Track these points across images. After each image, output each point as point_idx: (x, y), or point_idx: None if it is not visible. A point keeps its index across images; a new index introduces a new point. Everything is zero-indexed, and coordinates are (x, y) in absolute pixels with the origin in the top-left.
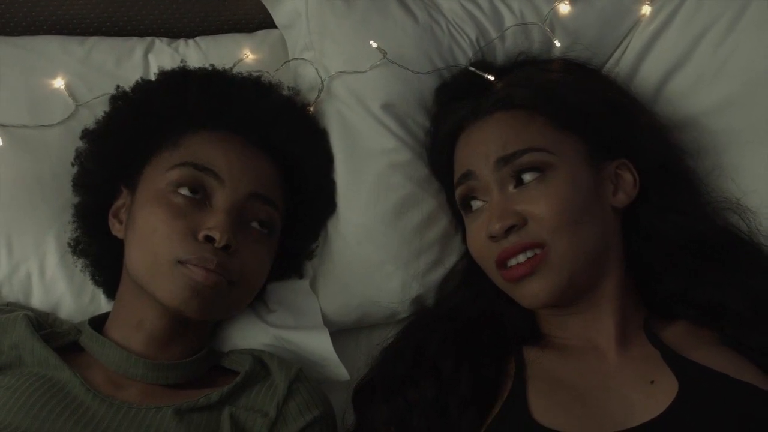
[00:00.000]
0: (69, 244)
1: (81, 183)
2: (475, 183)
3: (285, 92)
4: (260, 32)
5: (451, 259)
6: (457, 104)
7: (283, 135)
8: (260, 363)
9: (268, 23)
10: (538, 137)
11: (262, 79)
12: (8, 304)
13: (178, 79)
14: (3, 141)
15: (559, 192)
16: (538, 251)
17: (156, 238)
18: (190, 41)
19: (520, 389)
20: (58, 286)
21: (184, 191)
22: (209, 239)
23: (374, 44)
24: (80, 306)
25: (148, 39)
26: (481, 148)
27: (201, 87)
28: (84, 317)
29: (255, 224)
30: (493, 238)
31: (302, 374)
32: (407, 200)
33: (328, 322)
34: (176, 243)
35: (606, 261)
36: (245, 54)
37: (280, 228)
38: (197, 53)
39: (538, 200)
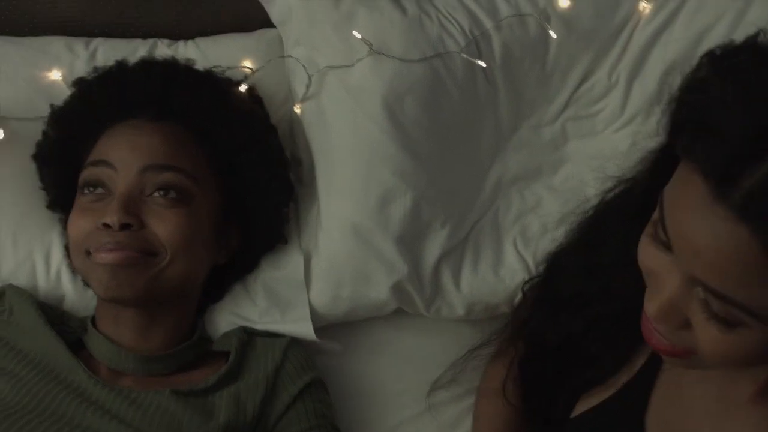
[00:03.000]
0: (66, 248)
1: (50, 204)
2: None
3: (181, 63)
4: (258, 32)
5: (435, 253)
6: None
7: (181, 101)
8: (248, 335)
9: (268, 24)
10: None
11: (154, 58)
12: (9, 285)
13: (84, 87)
14: (5, 136)
15: None
16: None
17: (72, 240)
18: (190, 42)
19: (646, 381)
20: (63, 280)
21: (87, 190)
22: (107, 226)
23: (358, 35)
24: (84, 300)
25: (151, 41)
26: None
27: (99, 88)
28: (88, 312)
29: (158, 193)
30: None
31: (294, 341)
32: (390, 194)
33: (318, 316)
34: (83, 238)
35: None
36: (243, 65)
37: (199, 190)
38: (196, 54)
39: None
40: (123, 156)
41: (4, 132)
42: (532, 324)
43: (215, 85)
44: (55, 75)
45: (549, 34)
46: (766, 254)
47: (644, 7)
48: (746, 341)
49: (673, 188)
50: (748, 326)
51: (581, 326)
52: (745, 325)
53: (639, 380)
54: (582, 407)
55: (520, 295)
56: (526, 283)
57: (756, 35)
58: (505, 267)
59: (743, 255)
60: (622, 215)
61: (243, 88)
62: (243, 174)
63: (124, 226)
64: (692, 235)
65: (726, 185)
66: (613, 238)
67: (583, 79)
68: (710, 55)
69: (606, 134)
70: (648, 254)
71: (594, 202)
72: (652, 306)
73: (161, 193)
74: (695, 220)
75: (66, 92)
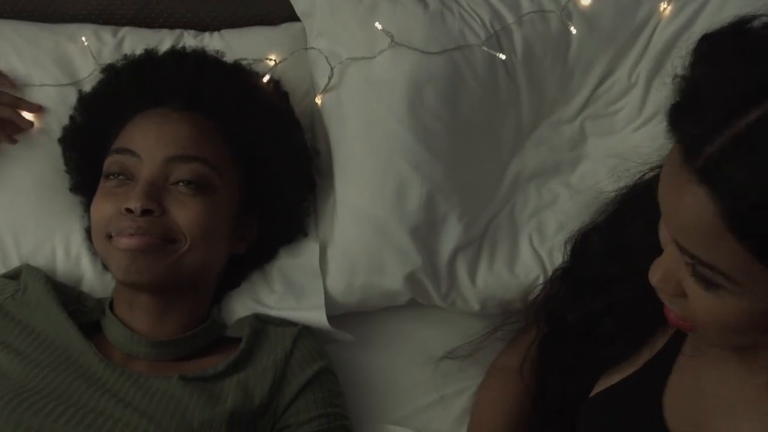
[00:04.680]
0: (86, 230)
1: (73, 187)
2: None
3: (210, 54)
4: (283, 25)
5: (449, 246)
6: None
7: (210, 93)
8: (261, 322)
9: (294, 18)
10: None
11: (184, 48)
12: (26, 265)
13: (113, 73)
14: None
15: None
16: None
17: (95, 224)
18: (215, 34)
19: (665, 363)
20: (82, 262)
21: (112, 176)
22: (129, 210)
23: (379, 26)
24: (103, 282)
25: (177, 31)
26: None
27: (129, 75)
28: (106, 294)
29: (181, 182)
30: None
31: (305, 330)
32: (405, 185)
33: (333, 304)
34: (105, 222)
35: None
36: (269, 58)
37: (221, 181)
38: (221, 45)
39: None
40: (149, 145)
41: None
42: (554, 303)
43: (243, 77)
44: (84, 43)
45: (570, 32)
46: (720, 217)
47: (665, 7)
48: (731, 305)
49: (665, 161)
50: (728, 289)
51: (602, 306)
52: (724, 287)
53: (658, 362)
54: (600, 387)
55: (538, 286)
56: (557, 269)
57: (746, 18)
58: (521, 263)
59: (702, 216)
60: (650, 197)
61: (266, 78)
62: (266, 168)
63: (145, 212)
64: (666, 198)
65: (692, 150)
66: (641, 218)
67: (603, 78)
68: (701, 38)
69: (624, 133)
70: (660, 231)
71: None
72: (652, 274)
73: (185, 182)
74: (668, 184)
75: (93, 64)
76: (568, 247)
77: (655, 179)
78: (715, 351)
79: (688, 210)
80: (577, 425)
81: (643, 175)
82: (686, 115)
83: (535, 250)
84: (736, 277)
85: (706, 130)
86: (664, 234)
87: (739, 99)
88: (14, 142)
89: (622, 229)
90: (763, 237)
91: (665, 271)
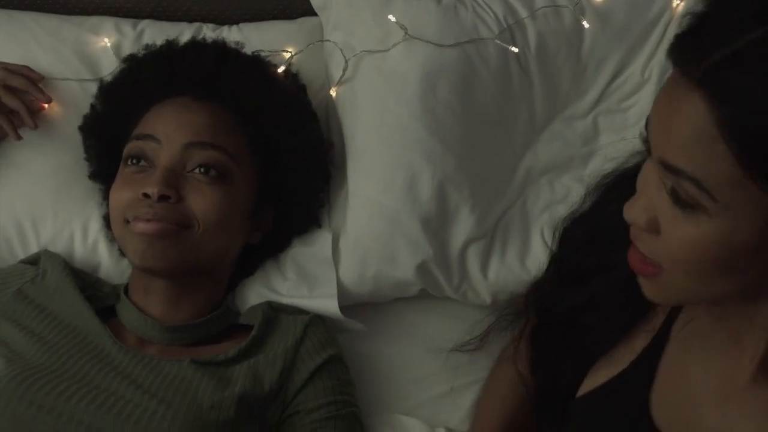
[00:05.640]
0: (104, 218)
1: (92, 175)
2: None
3: (230, 46)
4: (300, 19)
5: (461, 237)
6: None
7: (229, 83)
8: (274, 310)
9: (311, 12)
10: None
11: (204, 40)
12: (45, 251)
13: (134, 63)
14: (55, 109)
15: None
16: None
17: (113, 209)
18: (234, 27)
19: (651, 362)
20: (99, 248)
21: (131, 161)
22: (147, 196)
23: (393, 18)
24: (119, 269)
25: (196, 24)
26: None
27: (150, 65)
28: (122, 279)
29: (199, 170)
30: None
31: (316, 318)
32: (417, 176)
33: (345, 293)
34: (123, 207)
35: None
36: (287, 50)
37: (239, 170)
38: (240, 38)
39: None
40: (168, 131)
41: (55, 109)
42: (540, 294)
43: (263, 69)
44: (105, 42)
45: (583, 27)
46: (716, 124)
47: (678, 3)
48: (709, 233)
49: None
50: (708, 211)
51: (581, 299)
52: (704, 209)
53: (644, 361)
54: (588, 386)
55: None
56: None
57: None
58: (532, 257)
59: (697, 123)
60: (632, 183)
61: (281, 69)
62: (283, 159)
63: (162, 198)
64: (658, 115)
65: (692, 63)
66: (619, 205)
67: (617, 74)
68: None
69: (637, 129)
70: (641, 174)
71: None
72: (628, 209)
73: (202, 169)
74: (663, 100)
75: (114, 62)
76: (557, 234)
77: (638, 166)
78: (702, 345)
79: (681, 119)
80: (565, 426)
81: (626, 162)
82: (687, 39)
83: (546, 244)
84: (720, 193)
85: (708, 45)
86: (644, 177)
87: (742, 20)
88: (19, 138)
89: (602, 216)
90: (755, 146)
91: (643, 204)
